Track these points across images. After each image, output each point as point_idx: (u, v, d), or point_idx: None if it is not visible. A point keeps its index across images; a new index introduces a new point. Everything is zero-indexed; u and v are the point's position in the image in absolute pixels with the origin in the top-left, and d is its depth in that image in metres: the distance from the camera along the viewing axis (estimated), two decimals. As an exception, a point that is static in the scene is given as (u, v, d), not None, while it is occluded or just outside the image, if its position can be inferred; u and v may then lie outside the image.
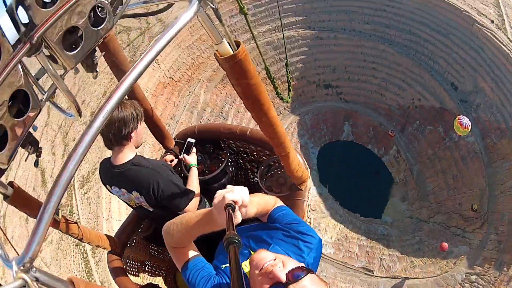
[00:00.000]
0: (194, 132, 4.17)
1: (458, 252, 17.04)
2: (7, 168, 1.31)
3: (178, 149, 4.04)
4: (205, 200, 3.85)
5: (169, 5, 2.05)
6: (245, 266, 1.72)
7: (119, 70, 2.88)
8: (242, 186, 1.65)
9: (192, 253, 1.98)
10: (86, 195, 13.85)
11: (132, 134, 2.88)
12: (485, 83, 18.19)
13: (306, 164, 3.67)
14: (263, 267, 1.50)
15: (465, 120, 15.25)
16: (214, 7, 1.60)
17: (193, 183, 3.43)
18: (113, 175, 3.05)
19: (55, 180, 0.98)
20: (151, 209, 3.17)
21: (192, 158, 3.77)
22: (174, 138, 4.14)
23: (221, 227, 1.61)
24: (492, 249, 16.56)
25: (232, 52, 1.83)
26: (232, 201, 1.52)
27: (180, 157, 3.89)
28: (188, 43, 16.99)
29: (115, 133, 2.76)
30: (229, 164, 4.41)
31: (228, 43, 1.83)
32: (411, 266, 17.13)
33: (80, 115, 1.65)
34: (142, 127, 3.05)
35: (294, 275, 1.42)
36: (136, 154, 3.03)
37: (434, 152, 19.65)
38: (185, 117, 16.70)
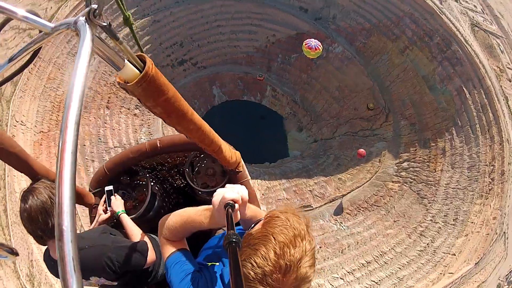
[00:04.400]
0: (105, 173, 3.71)
1: (377, 150, 16.89)
2: None
3: (99, 200, 3.54)
4: (152, 236, 3.31)
5: (37, 51, 1.28)
6: None
7: (13, 156, 2.44)
8: (239, 185, 1.61)
9: (179, 246, 1.91)
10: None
11: None
12: (334, -6, 18.13)
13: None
14: None
15: (313, 42, 14.74)
16: (105, 24, 1.04)
17: (133, 230, 3.08)
18: None
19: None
20: (115, 283, 2.88)
21: (117, 205, 3.35)
22: (90, 190, 3.65)
23: (219, 226, 1.63)
24: (409, 133, 16.53)
25: (140, 72, 1.37)
26: (232, 200, 1.47)
27: (108, 211, 3.37)
28: (40, 89, 15.21)
29: (43, 227, 2.30)
30: (153, 183, 3.99)
31: (131, 62, 1.35)
32: (341, 183, 16.67)
33: (17, 253, 1.23)
34: None
35: None
36: None
37: (308, 75, 19.46)
38: (71, 163, 15.06)
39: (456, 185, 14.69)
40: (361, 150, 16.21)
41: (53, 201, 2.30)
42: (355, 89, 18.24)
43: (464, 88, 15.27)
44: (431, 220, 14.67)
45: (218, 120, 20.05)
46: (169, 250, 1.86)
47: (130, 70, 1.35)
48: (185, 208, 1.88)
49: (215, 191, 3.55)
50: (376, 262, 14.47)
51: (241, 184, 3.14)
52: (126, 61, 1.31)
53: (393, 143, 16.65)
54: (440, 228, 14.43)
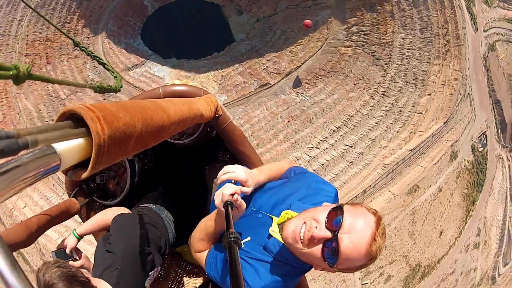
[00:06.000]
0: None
1: (323, 18, 16.43)
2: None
3: (83, 200, 3.11)
4: (157, 207, 3.00)
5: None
6: (273, 231, 1.62)
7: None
8: (236, 166, 1.63)
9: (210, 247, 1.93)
10: None
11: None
12: None
13: (196, 84, 3.02)
14: (302, 238, 1.37)
15: None
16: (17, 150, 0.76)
17: (98, 221, 2.65)
18: None
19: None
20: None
21: (67, 242, 2.62)
22: (69, 195, 3.10)
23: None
24: (353, -3, 16.01)
25: (87, 134, 0.91)
26: (231, 194, 1.46)
27: (73, 251, 2.68)
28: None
29: None
30: None
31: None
32: (294, 55, 16.24)
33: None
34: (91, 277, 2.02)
35: (334, 223, 1.31)
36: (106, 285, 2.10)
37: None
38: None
39: (411, 46, 14.53)
40: (307, 20, 15.89)
41: (67, 275, 1.79)
42: (287, -39, 17.63)
43: (402, -46, 14.88)
44: (391, 80, 14.51)
45: (157, 29, 20.26)
46: (203, 257, 1.84)
47: (71, 152, 0.86)
48: (202, 219, 1.88)
49: (195, 139, 3.32)
50: (346, 126, 14.21)
51: (225, 128, 2.94)
52: (56, 148, 0.81)
53: (338, 9, 16.18)
54: (401, 88, 14.35)
